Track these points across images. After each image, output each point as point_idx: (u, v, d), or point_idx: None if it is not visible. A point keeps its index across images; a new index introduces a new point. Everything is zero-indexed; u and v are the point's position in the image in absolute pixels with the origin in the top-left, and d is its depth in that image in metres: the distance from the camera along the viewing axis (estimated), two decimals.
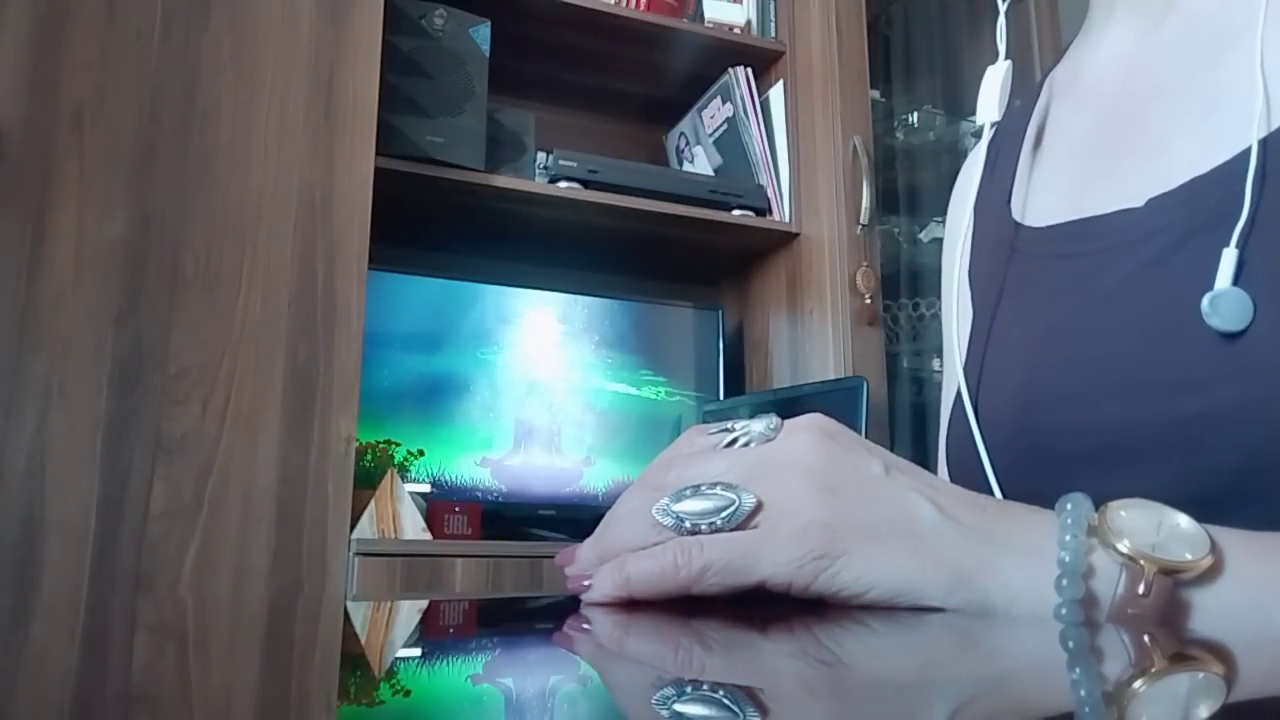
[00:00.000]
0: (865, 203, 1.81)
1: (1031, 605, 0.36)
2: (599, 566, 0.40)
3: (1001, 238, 0.59)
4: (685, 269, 2.13)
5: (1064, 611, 0.35)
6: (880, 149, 1.99)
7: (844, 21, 1.91)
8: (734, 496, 0.38)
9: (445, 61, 1.69)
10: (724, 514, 0.38)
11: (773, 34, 2.00)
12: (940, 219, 2.08)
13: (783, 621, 0.35)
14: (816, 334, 1.86)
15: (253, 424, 1.37)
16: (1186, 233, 0.48)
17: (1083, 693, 0.24)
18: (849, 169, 1.84)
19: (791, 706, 0.22)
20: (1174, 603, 0.35)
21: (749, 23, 2.00)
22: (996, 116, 0.62)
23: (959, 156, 2.12)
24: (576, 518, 1.77)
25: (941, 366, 2.02)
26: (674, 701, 0.22)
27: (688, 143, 2.13)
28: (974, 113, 0.63)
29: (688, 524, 0.38)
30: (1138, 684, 0.25)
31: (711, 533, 0.38)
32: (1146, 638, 0.32)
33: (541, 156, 1.84)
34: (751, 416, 0.41)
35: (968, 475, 0.56)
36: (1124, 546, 0.35)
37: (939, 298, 2.11)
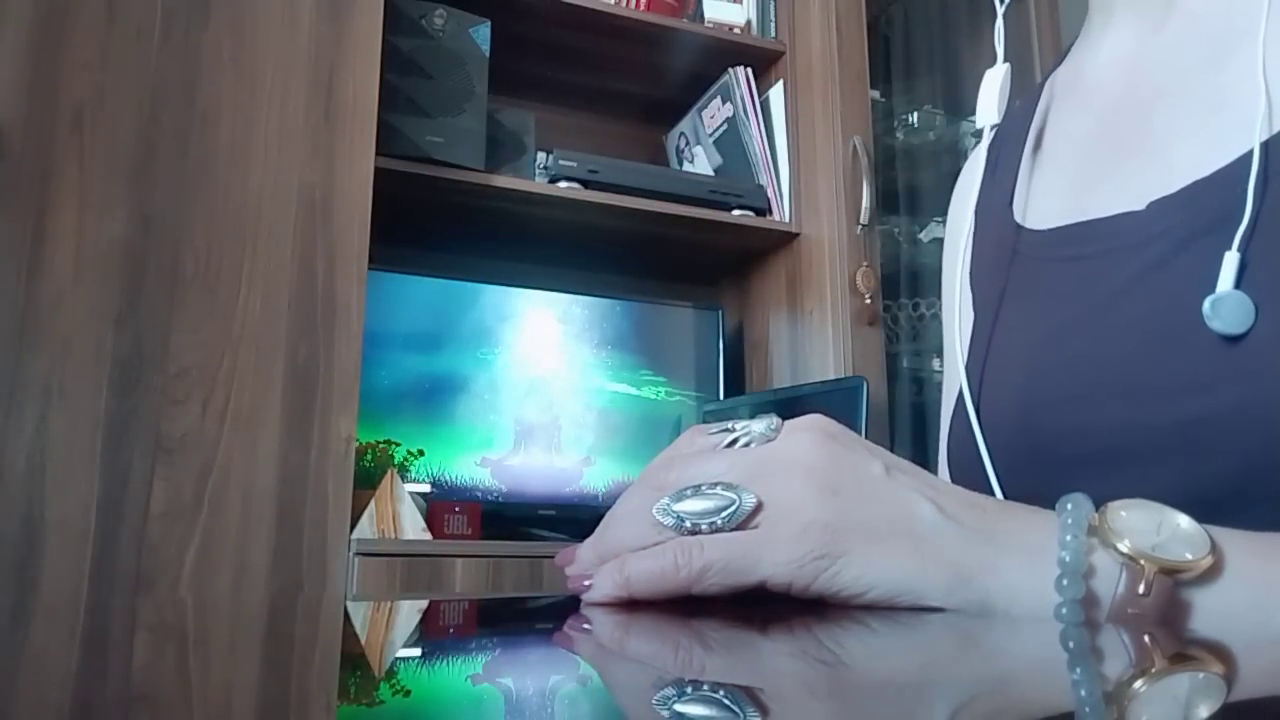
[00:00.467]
0: (865, 203, 1.81)
1: (1032, 605, 0.36)
2: (599, 566, 0.40)
3: (1003, 240, 0.59)
4: (685, 269, 2.13)
5: (1064, 611, 0.35)
6: (880, 149, 1.99)
7: (844, 21, 1.91)
8: (734, 496, 0.38)
9: (445, 61, 1.69)
10: (724, 514, 0.38)
11: (773, 34, 2.00)
12: (940, 219, 2.08)
13: (783, 621, 0.35)
14: (816, 334, 1.86)
15: (253, 424, 1.37)
16: (1188, 236, 0.48)
17: (1083, 693, 0.24)
18: (849, 169, 1.84)
19: (792, 707, 0.22)
20: (1174, 602, 0.35)
21: (749, 23, 2.00)
22: (996, 119, 0.62)
23: (959, 156, 2.12)
24: (576, 518, 1.77)
25: (942, 366, 2.02)
26: (674, 701, 0.22)
27: (688, 143, 2.13)
28: (974, 113, 0.63)
29: (688, 524, 0.38)
30: (1138, 684, 0.25)
31: (712, 532, 0.38)
32: (1146, 638, 0.32)
33: (541, 156, 1.84)
34: (752, 417, 0.41)
35: (969, 477, 0.56)
36: (1124, 546, 0.35)
37: (939, 298, 2.10)
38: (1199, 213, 0.48)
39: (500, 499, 1.77)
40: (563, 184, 1.77)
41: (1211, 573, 0.36)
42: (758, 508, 0.38)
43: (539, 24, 1.85)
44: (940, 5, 2.20)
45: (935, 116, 2.13)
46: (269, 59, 1.48)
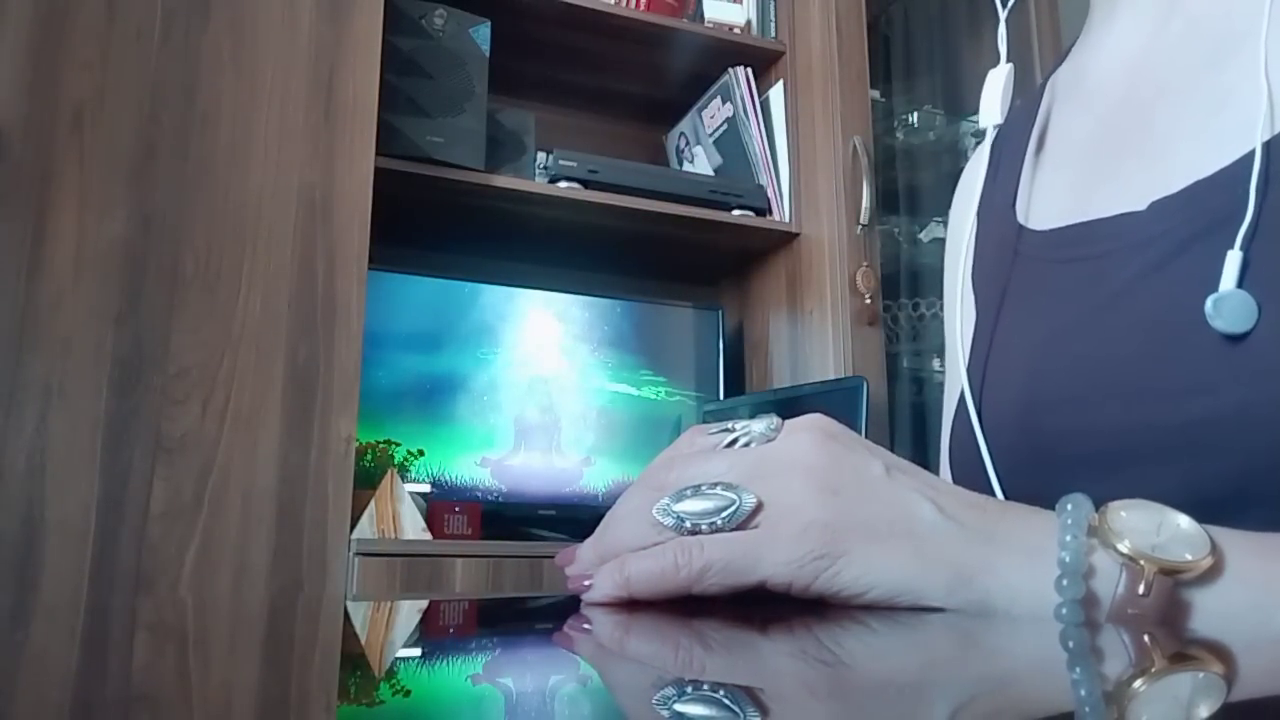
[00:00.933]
0: (865, 203, 1.81)
1: (1032, 605, 0.36)
2: (599, 566, 0.40)
3: (1005, 240, 0.59)
4: (685, 269, 2.13)
5: (1064, 611, 0.35)
6: (880, 149, 1.99)
7: (844, 21, 1.91)
8: (734, 496, 0.38)
9: (445, 61, 1.69)
10: (724, 514, 0.38)
11: (773, 34, 2.00)
12: (940, 219, 2.08)
13: (783, 621, 0.35)
14: (816, 334, 1.86)
15: (253, 424, 1.37)
16: (1189, 236, 0.48)
17: (1082, 692, 0.24)
18: (849, 169, 1.84)
19: (792, 707, 0.22)
20: (1174, 603, 0.35)
21: (749, 23, 2.00)
22: (999, 119, 0.62)
23: (959, 156, 2.12)
24: (576, 518, 1.77)
25: (942, 366, 2.03)
26: (674, 702, 0.22)
27: (688, 143, 2.13)
28: (974, 112, 0.63)
29: (688, 524, 0.38)
30: (1137, 684, 0.25)
31: (712, 533, 0.38)
32: (1146, 637, 0.32)
33: (541, 156, 1.84)
34: (752, 416, 0.41)
35: (970, 478, 0.56)
36: (1124, 547, 0.35)
37: (939, 298, 2.10)
38: (1200, 213, 0.48)
39: (500, 499, 1.77)
40: (563, 184, 1.77)
41: (1211, 573, 0.36)
42: (758, 508, 0.38)
43: (539, 24, 1.85)
44: (940, 5, 2.20)
45: (935, 116, 2.13)
46: (269, 59, 1.48)
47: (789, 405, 1.73)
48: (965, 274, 0.62)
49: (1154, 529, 0.36)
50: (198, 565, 1.31)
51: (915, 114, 2.13)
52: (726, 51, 1.97)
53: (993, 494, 0.54)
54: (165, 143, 1.41)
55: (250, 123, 1.45)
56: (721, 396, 1.96)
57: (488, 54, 1.73)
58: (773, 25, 2.01)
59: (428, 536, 1.53)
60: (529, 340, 1.86)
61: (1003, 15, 0.62)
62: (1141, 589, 0.35)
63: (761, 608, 0.38)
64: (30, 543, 1.25)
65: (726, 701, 0.22)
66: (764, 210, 1.91)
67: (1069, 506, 0.37)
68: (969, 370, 0.58)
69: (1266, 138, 0.46)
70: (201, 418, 1.35)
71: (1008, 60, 0.62)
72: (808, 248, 1.91)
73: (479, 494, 1.75)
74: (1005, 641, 0.33)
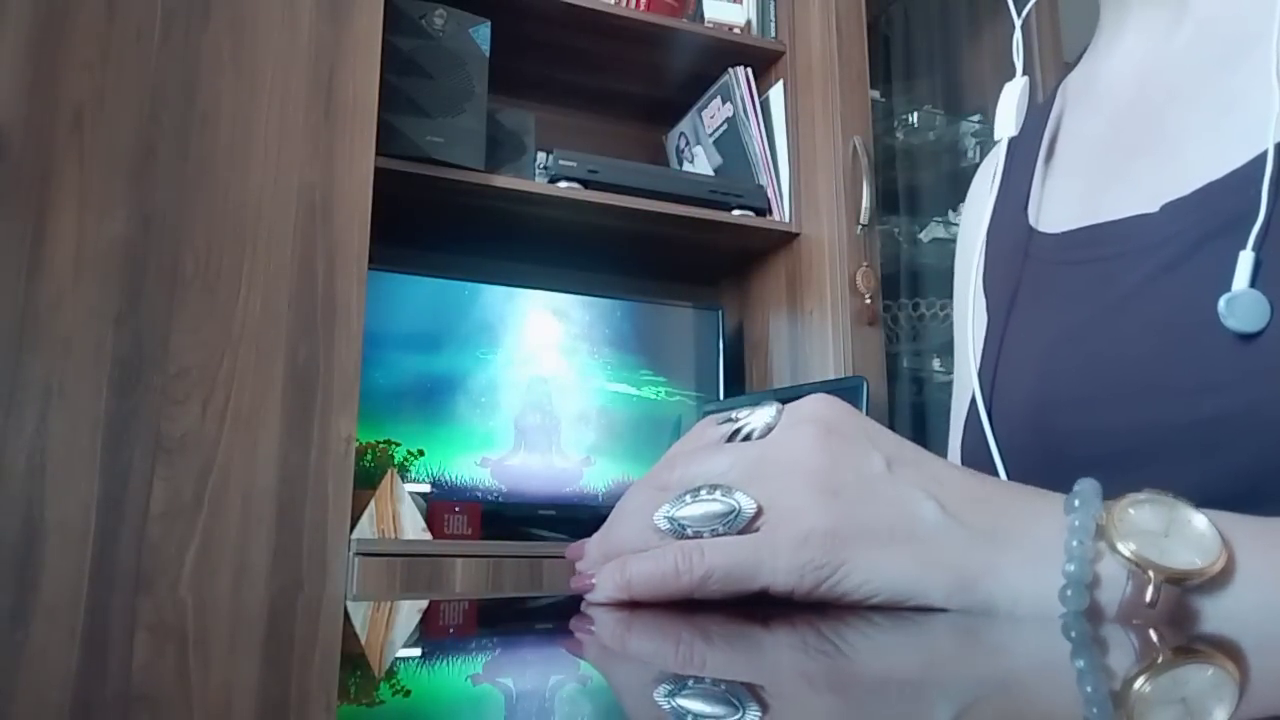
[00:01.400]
0: (865, 203, 1.81)
1: (1035, 610, 0.36)
2: (602, 565, 0.40)
3: (1016, 243, 0.59)
4: (685, 269, 2.13)
5: (1068, 623, 0.35)
6: (880, 149, 1.99)
7: (844, 21, 1.91)
8: (734, 503, 0.37)
9: (445, 61, 1.69)
10: (724, 521, 0.38)
11: (773, 34, 2.00)
12: (940, 219, 2.09)
13: (785, 619, 0.35)
14: (816, 334, 1.86)
15: (253, 424, 1.37)
16: (1201, 237, 0.48)
17: (1088, 689, 0.24)
18: (849, 169, 1.84)
19: (795, 704, 0.22)
20: (1181, 609, 0.35)
21: (749, 23, 2.00)
22: (1014, 131, 0.62)
23: (959, 156, 2.12)
24: (576, 518, 1.77)
25: (942, 366, 2.03)
26: (677, 698, 0.22)
27: (688, 143, 2.13)
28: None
29: (689, 531, 0.38)
30: (1138, 684, 0.25)
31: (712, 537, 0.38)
32: (1152, 632, 0.32)
33: (541, 156, 1.84)
34: (755, 404, 0.41)
35: None
36: (1130, 551, 0.35)
37: (940, 298, 2.09)
38: (1212, 214, 0.48)
39: (500, 499, 1.77)
40: (563, 184, 1.77)
41: (1221, 577, 0.35)
42: (757, 513, 0.38)
43: (539, 24, 1.85)
44: (940, 5, 2.20)
45: (935, 116, 2.13)
46: (269, 59, 1.48)
47: None
48: (977, 278, 0.62)
49: (1163, 528, 0.35)
50: (198, 565, 1.31)
51: (915, 114, 2.13)
52: (726, 51, 1.97)
53: None
54: (165, 143, 1.41)
55: (250, 123, 1.45)
56: (721, 396, 1.96)
57: (488, 54, 1.73)
58: (773, 25, 2.01)
59: (428, 536, 1.53)
60: (529, 340, 1.86)
61: (1018, 24, 0.62)
62: (1148, 598, 0.34)
63: (763, 605, 0.38)
64: (30, 543, 1.25)
65: (730, 698, 0.22)
66: (764, 210, 1.91)
67: (1076, 504, 0.36)
68: (980, 372, 0.58)
69: (1278, 139, 0.46)
70: (201, 418, 1.35)
71: (1023, 73, 0.62)
72: (808, 248, 1.91)
73: (479, 494, 1.75)
74: (1009, 637, 0.33)
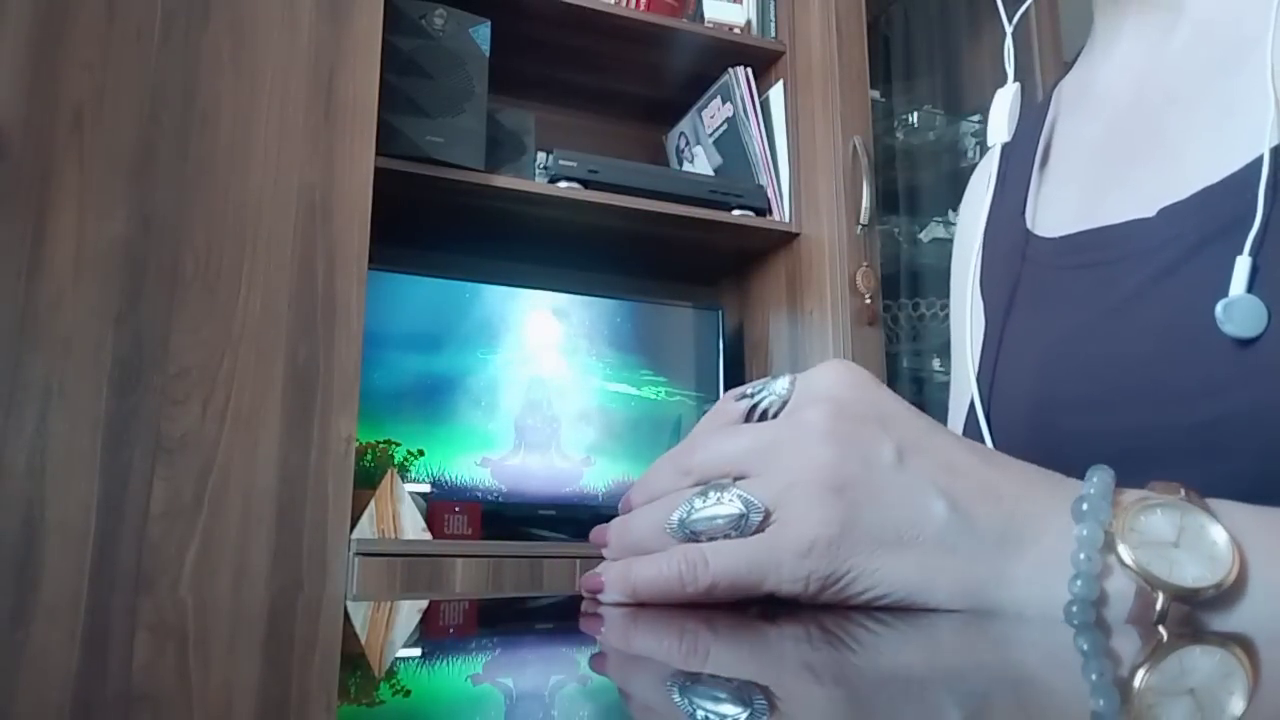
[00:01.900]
0: (865, 203, 1.81)
1: (1040, 615, 0.36)
2: (612, 564, 0.41)
3: (1014, 248, 0.59)
4: (685, 269, 2.13)
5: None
6: (880, 149, 1.99)
7: (844, 21, 1.91)
8: (742, 507, 0.38)
9: (445, 61, 1.69)
10: (734, 524, 0.38)
11: (773, 34, 2.00)
12: (940, 219, 2.09)
13: (792, 616, 0.35)
14: (816, 334, 1.86)
15: (253, 424, 1.37)
16: (1199, 241, 0.48)
17: (1093, 676, 0.24)
18: (849, 169, 1.84)
19: (798, 702, 0.22)
20: (1190, 623, 0.35)
21: (749, 23, 2.00)
22: (1006, 138, 0.62)
23: (959, 156, 2.12)
24: (576, 518, 1.77)
25: (942, 366, 2.03)
26: (682, 694, 0.22)
27: (688, 143, 2.13)
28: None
29: (701, 538, 0.38)
30: (1143, 671, 0.25)
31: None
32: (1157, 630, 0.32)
33: (541, 156, 1.84)
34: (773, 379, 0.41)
35: None
36: (1137, 564, 0.34)
37: (940, 298, 2.09)
38: (1210, 218, 0.48)
39: (500, 499, 1.77)
40: (563, 184, 1.77)
41: (1233, 590, 0.34)
42: (765, 517, 0.38)
43: (539, 24, 1.85)
44: (940, 5, 2.20)
45: (935, 116, 2.13)
46: (269, 59, 1.48)
47: None
48: (974, 283, 0.62)
49: (1174, 536, 0.35)
50: (198, 565, 1.31)
51: (915, 114, 2.13)
52: (726, 51, 1.97)
53: None
54: (165, 143, 1.41)
55: (250, 123, 1.45)
56: (721, 397, 1.96)
57: (488, 54, 1.73)
58: (773, 25, 2.01)
59: (428, 536, 1.53)
60: (529, 340, 1.86)
61: (1009, 30, 0.62)
62: (1155, 615, 0.34)
63: (770, 604, 0.38)
64: (30, 543, 1.25)
65: (737, 694, 0.22)
66: (764, 210, 1.91)
67: (1085, 508, 0.36)
68: (978, 376, 0.58)
69: (1275, 143, 0.46)
70: (201, 418, 1.35)
71: (1014, 79, 0.62)
72: (808, 248, 1.91)
73: (479, 494, 1.75)
74: (1015, 632, 0.33)
